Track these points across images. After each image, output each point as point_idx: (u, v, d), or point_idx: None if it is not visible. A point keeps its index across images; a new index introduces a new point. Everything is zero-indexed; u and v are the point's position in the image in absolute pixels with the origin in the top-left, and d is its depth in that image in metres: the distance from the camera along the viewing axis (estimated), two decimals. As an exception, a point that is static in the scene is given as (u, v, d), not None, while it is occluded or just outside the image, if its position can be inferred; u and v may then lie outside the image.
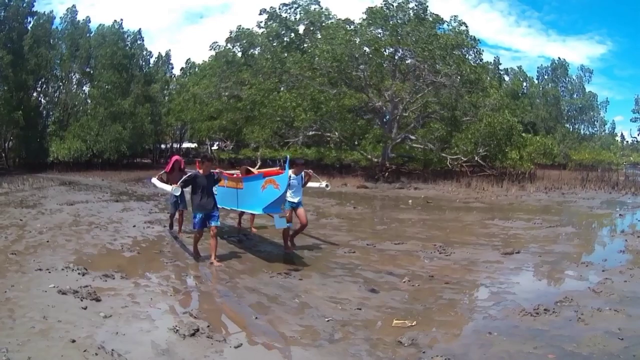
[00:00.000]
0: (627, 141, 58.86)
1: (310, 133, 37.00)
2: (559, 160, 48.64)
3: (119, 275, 9.32)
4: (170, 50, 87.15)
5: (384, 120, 37.99)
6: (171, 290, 8.78)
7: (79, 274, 9.16)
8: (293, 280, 9.72)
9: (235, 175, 13.21)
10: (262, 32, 50.00)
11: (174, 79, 66.13)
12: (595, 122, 60.62)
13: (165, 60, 66.14)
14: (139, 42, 56.58)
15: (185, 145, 64.01)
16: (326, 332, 7.01)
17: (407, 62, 37.79)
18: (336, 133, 36.76)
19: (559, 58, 60.98)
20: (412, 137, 37.49)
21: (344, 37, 36.08)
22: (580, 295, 8.99)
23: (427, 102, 36.78)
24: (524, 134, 40.63)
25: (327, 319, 7.45)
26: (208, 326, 6.76)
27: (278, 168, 13.45)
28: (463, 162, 36.77)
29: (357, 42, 36.67)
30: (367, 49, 36.70)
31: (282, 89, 41.38)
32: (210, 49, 53.49)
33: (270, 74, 42.95)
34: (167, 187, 12.67)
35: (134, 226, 15.45)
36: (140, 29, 61.86)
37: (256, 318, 7.50)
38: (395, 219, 18.60)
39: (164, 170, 15.20)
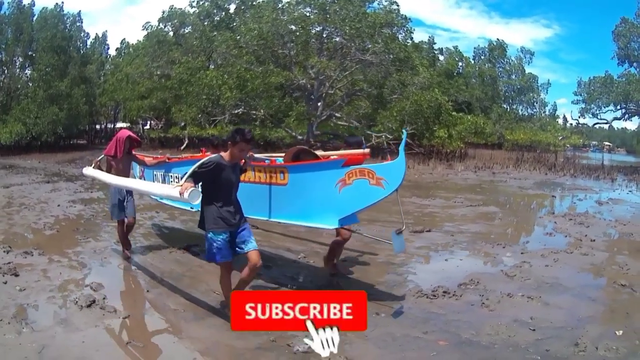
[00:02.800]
0: (571, 123, 59.10)
1: (237, 111, 37.59)
2: (493, 140, 49.85)
3: (37, 252, 9.69)
4: (106, 31, 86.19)
5: (311, 97, 38.58)
6: (79, 266, 9.18)
7: (4, 251, 9.56)
8: (189, 256, 9.99)
9: (268, 163, 8.26)
10: (193, 12, 50.13)
11: (109, 59, 65.70)
12: (535, 104, 60.68)
13: (101, 41, 65.70)
14: (78, 24, 56.15)
15: (119, 125, 63.49)
16: (210, 306, 7.22)
17: (334, 40, 38.42)
18: (261, 111, 37.37)
19: (497, 39, 61.68)
20: (337, 115, 38.32)
21: (271, 15, 36.65)
22: (489, 278, 8.72)
23: (355, 80, 37.53)
24: (454, 113, 41.76)
25: (215, 292, 7.62)
26: (104, 298, 7.20)
27: (365, 151, 8.02)
28: (390, 139, 37.07)
29: (284, 20, 37.25)
30: (293, 27, 37.52)
31: (210, 67, 41.78)
32: (143, 29, 53.19)
33: (200, 53, 43.43)
34: (158, 187, 8.07)
35: (59, 205, 15.57)
36: (80, 11, 61.76)
37: (148, 291, 7.93)
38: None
39: (105, 153, 9.94)
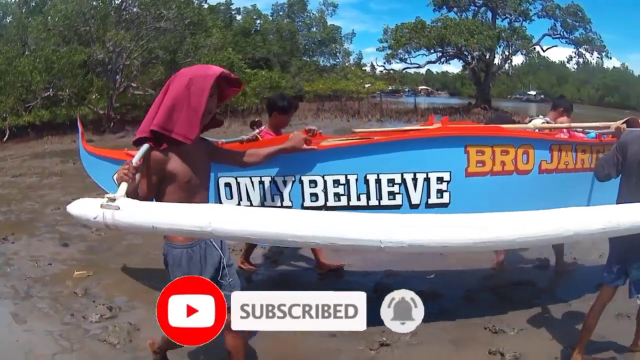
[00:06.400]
0: (381, 71, 60.09)
1: (47, 94, 37.95)
2: (291, 93, 48.82)
3: None
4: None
5: (109, 71, 39.76)
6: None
7: None
8: (7, 245, 9.91)
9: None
10: (14, 1, 50.56)
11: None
12: (338, 54, 62.42)
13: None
14: None
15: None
16: (22, 290, 7.48)
17: (133, 10, 39.84)
18: (67, 90, 37.88)
19: (297, -5, 61.74)
20: (134, 85, 39.87)
21: (76, -6, 37.61)
22: None
23: (150, 48, 39.12)
24: (247, 70, 44.19)
25: (26, 277, 7.97)
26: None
27: None
28: None
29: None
30: (95, 3, 38.82)
31: (26, 53, 41.85)
32: (-31, 27, 52.41)
33: (17, 41, 43.61)
34: None
35: None
36: None
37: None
38: (107, 170, 17.21)
39: (148, 127, 3.91)
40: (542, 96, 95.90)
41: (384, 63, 54.80)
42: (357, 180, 5.24)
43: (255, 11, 63.41)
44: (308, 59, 61.29)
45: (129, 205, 3.35)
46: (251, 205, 5.37)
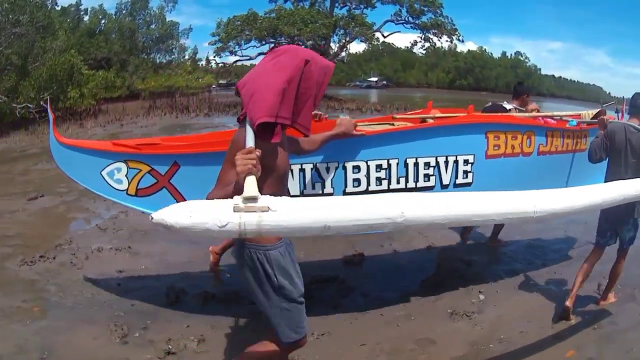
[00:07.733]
0: (218, 64, 59.67)
1: None
2: (124, 92, 49.75)
3: None
4: None
5: None
6: None
7: None
8: None
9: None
10: None
11: None
12: (174, 50, 61.15)
13: None
14: None
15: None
16: None
17: None
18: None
19: (153, -6, 57.30)
20: None
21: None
22: (83, 235, 8.56)
23: (7, 55, 37.09)
24: (86, 71, 42.33)
25: None
26: None
27: None
28: (33, 109, 35.64)
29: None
30: None
31: None
32: None
33: None
34: None
35: None
36: None
37: None
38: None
39: (260, 118, 3.27)
40: (385, 82, 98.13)
41: (215, 56, 54.71)
42: (397, 164, 5.52)
43: (101, 11, 61.55)
44: (146, 57, 59.72)
45: (280, 204, 2.64)
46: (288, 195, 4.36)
